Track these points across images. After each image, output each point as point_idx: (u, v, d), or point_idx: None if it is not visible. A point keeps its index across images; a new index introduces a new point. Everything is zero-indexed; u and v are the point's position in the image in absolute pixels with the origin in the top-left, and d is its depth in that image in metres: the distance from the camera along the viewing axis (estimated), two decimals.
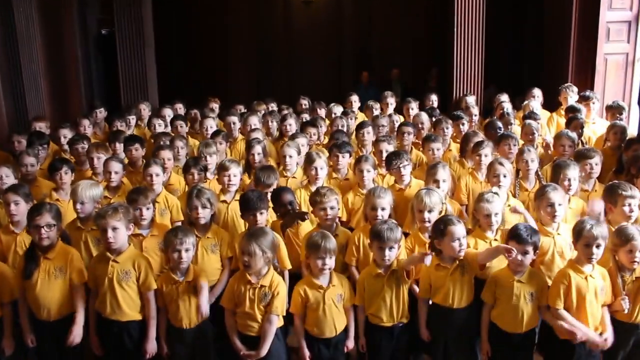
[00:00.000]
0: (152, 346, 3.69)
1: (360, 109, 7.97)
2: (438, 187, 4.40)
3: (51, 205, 3.85)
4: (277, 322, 3.53)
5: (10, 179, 4.80)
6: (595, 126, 6.63)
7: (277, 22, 12.70)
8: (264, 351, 3.47)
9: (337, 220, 4.25)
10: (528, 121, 6.02)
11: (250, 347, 3.54)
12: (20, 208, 4.14)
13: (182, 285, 3.62)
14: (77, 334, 3.67)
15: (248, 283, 3.50)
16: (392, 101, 7.85)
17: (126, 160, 5.60)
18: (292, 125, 6.48)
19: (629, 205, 3.91)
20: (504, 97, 7.62)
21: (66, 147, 6.05)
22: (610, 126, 5.88)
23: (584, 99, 6.97)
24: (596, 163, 4.74)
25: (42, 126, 6.73)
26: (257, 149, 5.39)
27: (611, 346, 3.55)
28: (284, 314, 3.60)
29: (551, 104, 7.64)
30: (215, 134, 6.16)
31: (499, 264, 3.72)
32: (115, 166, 4.93)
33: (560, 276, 3.54)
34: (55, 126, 6.59)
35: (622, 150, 5.27)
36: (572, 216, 4.27)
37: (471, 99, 7.73)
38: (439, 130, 6.09)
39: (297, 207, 4.39)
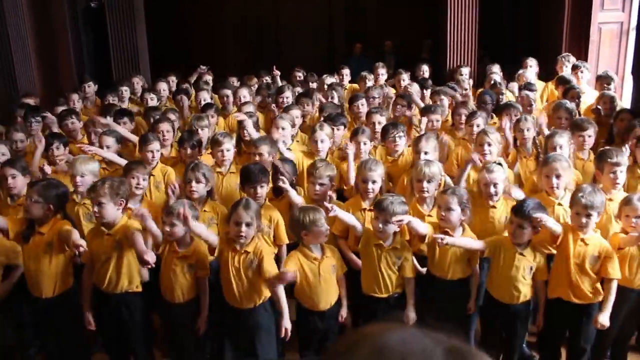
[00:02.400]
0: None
1: (354, 80, 7.91)
2: (419, 159, 4.40)
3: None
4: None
5: (7, 157, 4.75)
6: (585, 96, 6.62)
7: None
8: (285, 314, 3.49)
9: (329, 194, 4.18)
10: (525, 92, 6.03)
11: (239, 320, 3.56)
12: (18, 181, 4.14)
13: (179, 257, 3.60)
14: None
15: (233, 250, 3.49)
16: (383, 72, 7.82)
17: None
18: (288, 98, 6.44)
19: (614, 172, 3.97)
20: (495, 68, 7.60)
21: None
22: (600, 96, 5.92)
23: (573, 69, 7.00)
24: (589, 135, 4.75)
25: (31, 102, 6.64)
26: (248, 122, 5.33)
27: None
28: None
29: (545, 74, 7.63)
30: (207, 106, 6.11)
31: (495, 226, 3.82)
32: (108, 140, 4.90)
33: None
34: (52, 101, 6.56)
35: (612, 120, 5.31)
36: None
37: (465, 71, 7.71)
38: (435, 101, 6.09)
39: (293, 179, 4.36)
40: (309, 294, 3.59)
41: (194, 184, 4.03)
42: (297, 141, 5.40)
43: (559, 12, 8.40)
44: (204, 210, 4.07)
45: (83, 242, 3.45)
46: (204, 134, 5.23)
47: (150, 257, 3.38)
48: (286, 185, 3.89)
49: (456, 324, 3.59)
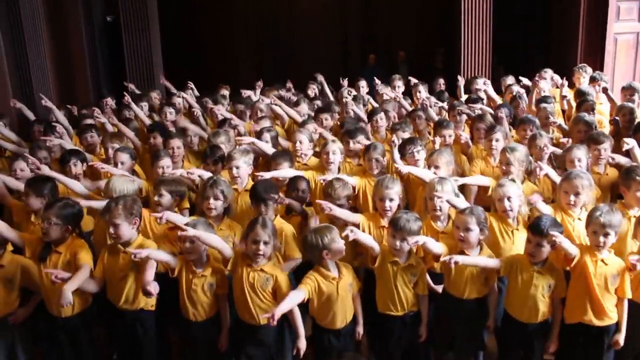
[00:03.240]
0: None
1: (370, 92, 7.91)
2: (435, 173, 4.42)
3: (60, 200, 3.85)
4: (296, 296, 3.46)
5: (26, 172, 4.80)
6: (603, 107, 6.60)
7: (282, 4, 12.54)
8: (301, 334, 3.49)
9: None
10: (543, 105, 5.98)
11: (253, 336, 3.57)
12: (31, 200, 4.20)
13: (198, 279, 3.60)
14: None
15: (248, 265, 3.50)
16: (399, 84, 7.78)
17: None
18: (305, 109, 6.44)
19: None
20: (510, 80, 7.58)
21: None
22: (619, 108, 5.87)
23: (591, 80, 6.96)
24: (605, 149, 4.73)
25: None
26: (266, 137, 5.33)
27: (632, 329, 3.58)
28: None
29: None
30: (223, 122, 6.11)
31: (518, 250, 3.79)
32: (122, 157, 4.93)
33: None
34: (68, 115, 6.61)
35: (631, 133, 5.25)
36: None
37: (480, 81, 7.66)
38: (453, 116, 6.07)
39: (308, 195, 4.39)
40: (327, 313, 3.59)
41: (212, 200, 4.02)
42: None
43: (575, 23, 8.38)
44: (220, 229, 4.05)
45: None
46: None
47: (154, 289, 3.42)
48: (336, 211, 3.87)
49: (470, 343, 3.65)
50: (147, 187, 4.71)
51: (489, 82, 7.28)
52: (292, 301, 3.39)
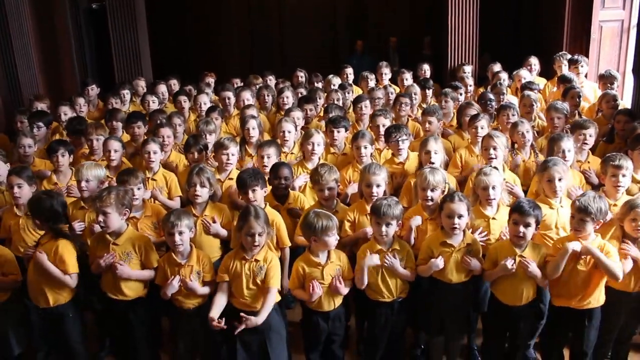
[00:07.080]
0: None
1: (356, 78, 7.92)
2: (430, 159, 4.45)
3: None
4: (275, 294, 3.57)
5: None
6: (584, 89, 6.61)
7: None
8: (261, 319, 3.47)
9: (336, 197, 4.28)
10: (527, 92, 5.97)
11: None
12: (24, 191, 4.18)
13: (185, 269, 3.64)
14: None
15: (243, 259, 3.55)
16: (387, 71, 7.79)
17: (127, 138, 5.62)
18: (289, 98, 6.46)
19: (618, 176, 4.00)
20: (497, 67, 7.59)
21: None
22: (602, 95, 5.92)
23: (572, 63, 6.98)
24: (590, 135, 4.76)
25: (43, 106, 6.69)
26: (252, 123, 5.33)
27: (610, 314, 3.67)
28: (280, 288, 3.63)
29: (546, 72, 7.64)
30: (211, 109, 6.14)
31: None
32: (115, 144, 4.91)
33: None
34: (56, 104, 6.57)
35: (612, 120, 5.32)
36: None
37: (468, 69, 7.70)
38: (440, 102, 6.10)
39: (291, 183, 4.44)
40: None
41: (198, 187, 4.07)
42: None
43: (560, 11, 8.40)
44: (205, 215, 4.13)
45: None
46: (212, 139, 5.26)
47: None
48: None
49: (459, 326, 3.70)
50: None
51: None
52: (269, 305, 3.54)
